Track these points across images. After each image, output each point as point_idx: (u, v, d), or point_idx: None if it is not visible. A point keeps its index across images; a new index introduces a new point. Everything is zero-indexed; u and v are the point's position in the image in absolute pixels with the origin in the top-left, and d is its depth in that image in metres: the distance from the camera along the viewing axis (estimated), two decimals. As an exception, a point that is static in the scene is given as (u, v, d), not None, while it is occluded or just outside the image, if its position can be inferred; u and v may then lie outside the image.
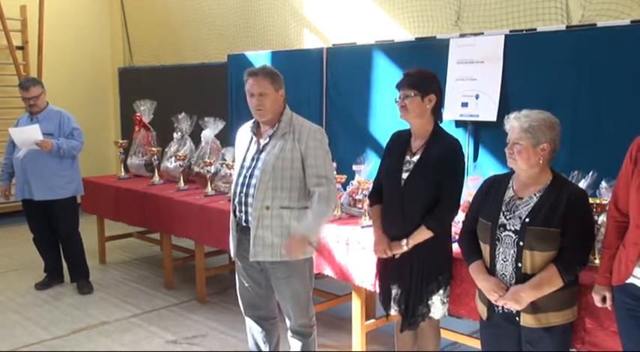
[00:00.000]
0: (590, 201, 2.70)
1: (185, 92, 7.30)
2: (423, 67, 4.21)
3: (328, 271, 3.84)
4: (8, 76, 7.89)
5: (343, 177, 4.24)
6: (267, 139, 3.13)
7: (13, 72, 7.83)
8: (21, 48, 8.02)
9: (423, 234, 2.97)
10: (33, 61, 7.99)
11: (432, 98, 2.97)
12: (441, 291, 3.06)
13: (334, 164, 4.06)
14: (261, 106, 3.07)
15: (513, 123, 2.57)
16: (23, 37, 8.02)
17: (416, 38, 4.96)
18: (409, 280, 3.05)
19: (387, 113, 4.70)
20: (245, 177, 3.16)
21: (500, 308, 2.65)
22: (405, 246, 3.01)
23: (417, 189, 2.98)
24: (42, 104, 5.09)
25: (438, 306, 3.08)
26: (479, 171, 4.04)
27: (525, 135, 2.52)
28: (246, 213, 3.14)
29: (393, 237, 3.08)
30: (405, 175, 3.01)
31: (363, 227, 3.88)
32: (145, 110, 6.00)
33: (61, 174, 5.10)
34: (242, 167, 3.21)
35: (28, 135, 4.93)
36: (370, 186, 3.88)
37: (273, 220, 3.07)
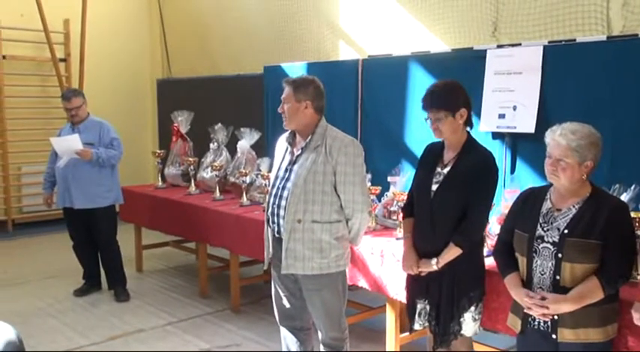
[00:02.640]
0: (632, 215, 2.64)
1: (221, 103, 7.34)
2: (460, 79, 4.14)
3: (362, 283, 3.82)
4: (51, 88, 8.04)
5: (378, 189, 4.22)
6: (300, 151, 3.14)
7: (56, 83, 7.98)
8: (63, 60, 8.20)
9: (452, 252, 2.92)
10: (75, 72, 8.14)
11: (463, 113, 2.91)
12: (473, 308, 3.00)
13: (368, 175, 4.18)
14: (283, 114, 3.13)
15: (559, 139, 2.50)
16: (66, 49, 8.20)
17: (452, 49, 4.92)
18: (439, 296, 3.01)
19: (423, 124, 4.39)
20: (278, 188, 3.17)
21: (535, 322, 2.61)
22: (434, 265, 2.96)
23: (446, 202, 2.94)
24: (83, 114, 5.18)
25: (469, 323, 3.01)
26: (516, 183, 4.00)
27: (572, 153, 2.47)
28: (278, 224, 3.15)
29: (423, 252, 3.04)
30: (434, 187, 2.98)
31: (397, 239, 3.86)
32: (182, 121, 6.05)
33: (100, 183, 5.18)
34: (276, 177, 3.22)
35: (68, 144, 5.02)
36: (405, 197, 3.87)
37: (305, 234, 3.07)
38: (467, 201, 2.88)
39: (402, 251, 3.17)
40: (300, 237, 3.06)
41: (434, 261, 2.96)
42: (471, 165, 2.90)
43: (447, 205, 2.93)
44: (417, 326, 3.13)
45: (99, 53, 8.40)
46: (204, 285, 5.45)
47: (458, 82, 2.98)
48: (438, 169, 3.00)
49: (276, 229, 3.17)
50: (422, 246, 3.05)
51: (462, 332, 3.02)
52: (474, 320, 3.01)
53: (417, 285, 3.10)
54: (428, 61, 4.86)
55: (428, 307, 3.06)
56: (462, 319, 2.99)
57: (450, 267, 2.95)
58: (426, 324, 3.10)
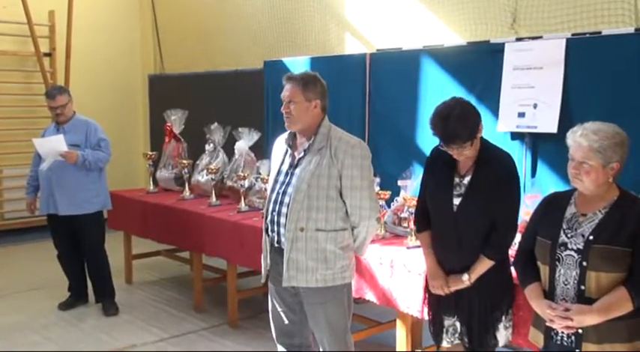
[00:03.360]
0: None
1: (218, 101, 7.33)
2: (476, 75, 4.26)
3: (370, 296, 3.82)
4: (35, 85, 8.02)
5: (387, 193, 4.22)
6: (303, 153, 3.13)
7: (40, 80, 7.96)
8: (48, 55, 8.18)
9: (484, 265, 2.96)
10: (60, 68, 8.12)
11: (481, 130, 2.93)
12: (504, 317, 3.05)
13: (377, 179, 4.18)
14: (288, 113, 3.10)
15: (580, 140, 2.51)
16: (51, 43, 8.18)
17: (468, 42, 4.89)
18: (469, 311, 3.04)
19: None
20: (278, 194, 3.16)
21: (558, 336, 2.60)
22: (467, 281, 2.99)
23: (472, 216, 2.96)
24: (69, 113, 5.21)
25: (502, 333, 3.06)
26: (537, 187, 3.99)
27: (595, 155, 2.47)
28: (278, 233, 3.14)
29: (449, 268, 3.06)
30: (456, 201, 2.99)
31: (409, 248, 3.86)
32: (175, 120, 6.03)
33: (87, 187, 5.19)
34: (276, 182, 3.21)
35: (52, 145, 5.04)
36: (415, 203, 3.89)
37: (308, 243, 3.06)
38: (494, 211, 2.91)
39: (426, 269, 3.18)
40: (303, 247, 3.06)
41: (465, 276, 2.98)
42: (492, 172, 2.93)
43: (473, 219, 2.96)
44: (445, 344, 3.14)
45: (86, 47, 8.38)
46: (199, 298, 5.44)
47: (465, 101, 2.97)
48: (457, 180, 3.01)
49: (275, 238, 3.16)
50: (446, 261, 3.07)
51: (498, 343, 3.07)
52: (506, 328, 3.06)
53: (443, 301, 3.10)
54: (441, 56, 4.86)
55: (458, 323, 3.08)
56: (497, 331, 3.04)
57: (479, 279, 2.99)
58: (456, 341, 3.11)
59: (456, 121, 2.83)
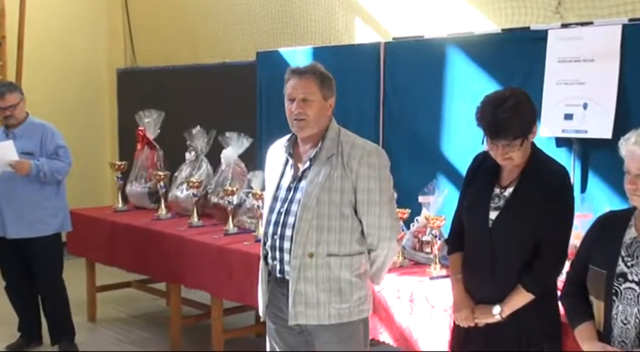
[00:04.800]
0: None
1: (201, 100, 7.30)
2: (514, 68, 4.30)
3: (385, 336, 3.79)
4: (-20, 80, 8.05)
5: (406, 212, 4.20)
6: (308, 163, 3.13)
7: (-14, 75, 8.00)
8: (-4, 44, 8.20)
9: (521, 299, 2.94)
10: (11, 60, 8.03)
11: (535, 131, 2.97)
12: None
13: (395, 195, 3.98)
14: (303, 115, 3.06)
15: (634, 149, 2.51)
16: (0, 30, 8.13)
17: (503, 30, 4.87)
18: None
19: (464, 126, 4.62)
20: (279, 213, 3.15)
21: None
22: (498, 315, 2.97)
23: (510, 234, 2.96)
24: (20, 115, 5.21)
25: None
26: (588, 205, 3.96)
27: None
28: (281, 261, 3.13)
29: (479, 296, 3.05)
30: (493, 215, 3.00)
31: (432, 278, 3.86)
32: (149, 123, 5.99)
33: (42, 204, 5.18)
34: (275, 199, 3.21)
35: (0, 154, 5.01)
36: (442, 223, 3.92)
37: (319, 271, 3.06)
38: (538, 232, 2.91)
39: (452, 296, 3.17)
40: (313, 276, 3.06)
41: (496, 308, 2.96)
42: (540, 185, 2.93)
43: (511, 238, 2.96)
44: None
45: (42, 36, 8.36)
46: (177, 339, 5.41)
47: (522, 91, 3.02)
48: (497, 191, 3.02)
49: (277, 267, 3.16)
50: (477, 288, 3.07)
51: None
52: None
53: (470, 338, 3.09)
54: (471, 46, 4.85)
55: None
56: None
57: (516, 315, 2.96)
58: None
59: (509, 111, 2.86)
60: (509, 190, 2.99)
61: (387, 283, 3.72)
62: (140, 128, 6.10)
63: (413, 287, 3.73)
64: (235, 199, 5.09)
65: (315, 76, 3.08)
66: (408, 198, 4.27)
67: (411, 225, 4.33)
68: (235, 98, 6.92)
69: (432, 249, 4.03)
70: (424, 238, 4.20)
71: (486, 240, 2.99)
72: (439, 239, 3.98)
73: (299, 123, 3.08)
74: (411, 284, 3.78)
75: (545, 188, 2.91)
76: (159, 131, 6.06)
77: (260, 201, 4.66)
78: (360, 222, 3.10)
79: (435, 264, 3.95)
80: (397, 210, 3.93)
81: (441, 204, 4.14)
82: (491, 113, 2.88)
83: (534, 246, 2.92)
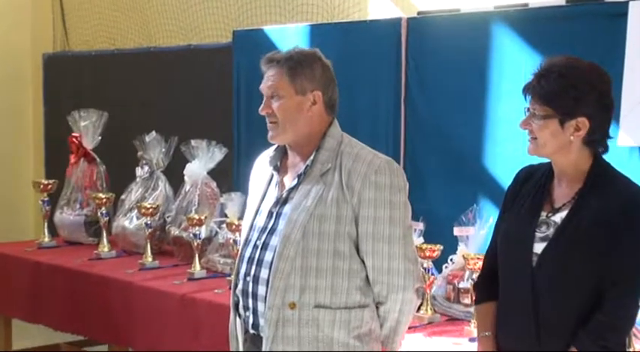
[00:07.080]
0: None
1: (158, 96, 6.90)
2: (581, 50, 4.06)
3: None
4: None
5: (436, 249, 3.89)
6: (296, 180, 2.92)
7: None
8: None
9: None
10: None
11: (580, 124, 2.71)
12: None
13: (419, 225, 3.99)
14: (272, 117, 2.93)
15: None
16: None
17: (568, 1, 4.51)
18: None
19: (515, 133, 4.21)
20: (255, 247, 2.94)
21: None
22: None
23: (561, 274, 2.71)
24: None
25: None
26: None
27: None
28: (254, 312, 2.92)
29: None
30: (539, 248, 2.75)
31: (472, 339, 3.58)
32: (87, 127, 5.57)
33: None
34: (252, 229, 3.01)
35: None
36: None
37: (303, 329, 2.84)
38: (603, 272, 2.65)
39: None
40: (295, 336, 2.84)
41: None
42: (604, 210, 2.67)
43: (562, 279, 2.71)
44: None
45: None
46: None
47: (598, 66, 2.81)
48: (544, 215, 2.79)
49: (250, 320, 2.94)
50: (513, 348, 2.83)
51: None
52: None
53: None
54: (524, 21, 4.54)
55: None
56: None
57: None
58: None
59: (556, 73, 2.74)
60: (562, 214, 2.76)
61: (411, 345, 3.56)
62: (74, 134, 5.67)
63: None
64: (203, 231, 4.74)
65: (281, 64, 2.93)
66: (439, 230, 4.05)
67: (444, 266, 4.08)
68: (204, 93, 6.54)
69: (471, 300, 3.71)
70: (461, 285, 3.97)
71: (528, 283, 2.78)
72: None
73: (270, 127, 2.99)
74: (444, 346, 3.59)
75: (612, 213, 2.67)
76: (99, 138, 5.61)
77: (237, 234, 4.32)
78: (364, 263, 2.87)
79: (475, 320, 3.59)
80: (423, 245, 3.93)
81: (483, 237, 3.81)
82: (535, 80, 2.79)
83: (596, 292, 2.67)
